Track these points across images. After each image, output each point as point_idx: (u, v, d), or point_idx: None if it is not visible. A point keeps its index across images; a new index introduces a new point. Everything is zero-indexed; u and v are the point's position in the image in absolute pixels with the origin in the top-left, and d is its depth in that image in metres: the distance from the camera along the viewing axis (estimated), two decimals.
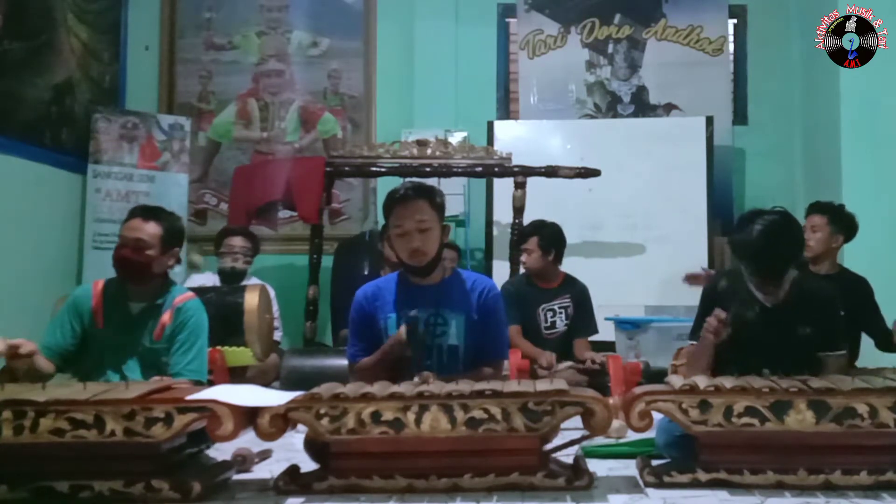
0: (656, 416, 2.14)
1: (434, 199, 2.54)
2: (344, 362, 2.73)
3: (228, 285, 4.32)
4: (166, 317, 2.73)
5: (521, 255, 4.05)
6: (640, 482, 2.15)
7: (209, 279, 4.58)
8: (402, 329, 2.43)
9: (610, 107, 5.78)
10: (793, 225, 2.57)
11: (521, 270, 4.15)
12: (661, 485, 2.09)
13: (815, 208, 3.53)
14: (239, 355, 3.78)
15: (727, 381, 2.13)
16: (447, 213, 2.67)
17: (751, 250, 2.49)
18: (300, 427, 2.10)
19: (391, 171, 4.92)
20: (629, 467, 2.34)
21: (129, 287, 2.75)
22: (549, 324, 4.01)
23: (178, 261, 2.86)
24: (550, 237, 4.00)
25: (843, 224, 3.52)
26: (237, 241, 4.54)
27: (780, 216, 2.52)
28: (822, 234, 3.46)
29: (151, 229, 2.70)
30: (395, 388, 2.07)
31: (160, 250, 2.71)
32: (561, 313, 4.02)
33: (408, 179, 3.14)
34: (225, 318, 3.76)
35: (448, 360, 2.54)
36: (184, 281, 4.61)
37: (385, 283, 2.65)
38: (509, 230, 4.97)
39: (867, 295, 3.49)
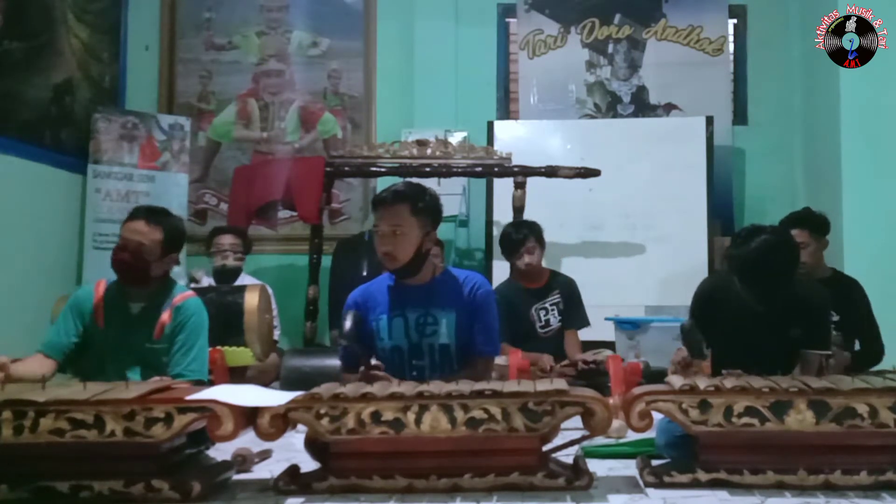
0: (656, 416, 2.14)
1: (415, 204, 2.54)
2: None
3: (223, 284, 4.32)
4: (165, 316, 2.73)
5: (521, 258, 4.04)
6: (640, 482, 2.14)
7: (204, 281, 4.58)
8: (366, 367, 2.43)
9: (610, 107, 5.78)
10: (789, 243, 2.59)
11: (522, 268, 4.12)
12: (661, 485, 2.09)
13: (795, 223, 3.37)
14: (239, 355, 3.78)
15: (727, 381, 2.13)
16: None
17: (747, 268, 2.51)
18: (300, 427, 2.10)
19: (391, 171, 4.92)
20: (629, 467, 2.34)
21: (128, 287, 2.75)
22: (543, 322, 4.05)
23: (178, 263, 2.87)
24: (541, 232, 4.11)
25: (823, 229, 3.48)
26: (226, 240, 4.55)
27: (775, 235, 2.55)
28: (811, 248, 3.42)
29: (154, 234, 2.70)
30: (395, 388, 2.07)
31: (160, 255, 2.71)
32: (553, 310, 4.07)
33: (405, 180, 3.14)
34: (225, 318, 3.76)
35: (440, 359, 2.55)
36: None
37: (375, 286, 2.67)
38: None
39: (860, 298, 3.48)
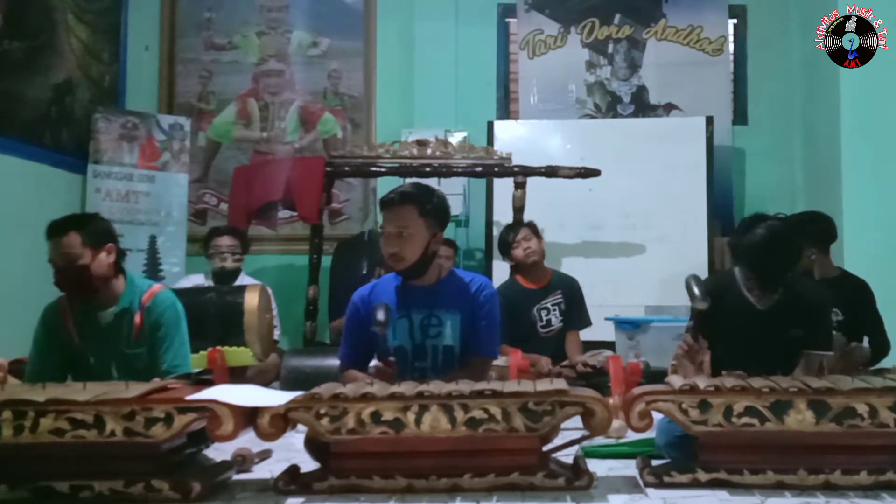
0: (656, 416, 2.14)
1: (423, 205, 2.54)
2: None
3: (223, 285, 4.32)
4: (137, 318, 2.70)
5: (519, 246, 4.04)
6: (640, 482, 2.14)
7: (201, 282, 4.58)
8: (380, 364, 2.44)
9: (610, 107, 5.78)
10: (793, 230, 2.58)
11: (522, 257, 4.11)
12: (661, 485, 2.09)
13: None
14: (239, 355, 3.78)
15: (727, 381, 2.14)
16: None
17: (752, 256, 2.51)
18: (300, 427, 2.10)
19: (391, 171, 4.93)
20: (629, 467, 2.34)
21: (92, 299, 2.71)
22: (544, 322, 4.05)
23: (121, 253, 2.79)
24: (535, 226, 4.13)
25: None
26: (224, 241, 4.54)
27: (781, 223, 2.54)
28: (819, 260, 3.44)
29: (70, 240, 2.64)
30: (395, 388, 2.07)
31: (90, 253, 2.66)
32: (555, 310, 4.06)
33: (413, 181, 3.14)
34: (225, 318, 3.77)
35: (443, 361, 2.55)
36: (178, 282, 4.62)
37: (381, 285, 2.67)
38: None
39: (867, 300, 3.49)
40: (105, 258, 2.69)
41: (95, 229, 2.72)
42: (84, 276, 2.64)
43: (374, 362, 2.60)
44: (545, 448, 2.14)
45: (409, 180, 3.73)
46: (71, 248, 2.62)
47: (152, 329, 2.70)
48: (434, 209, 2.57)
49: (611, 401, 2.25)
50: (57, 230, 2.67)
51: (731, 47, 5.80)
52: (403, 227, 2.50)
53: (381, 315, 2.41)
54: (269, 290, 4.41)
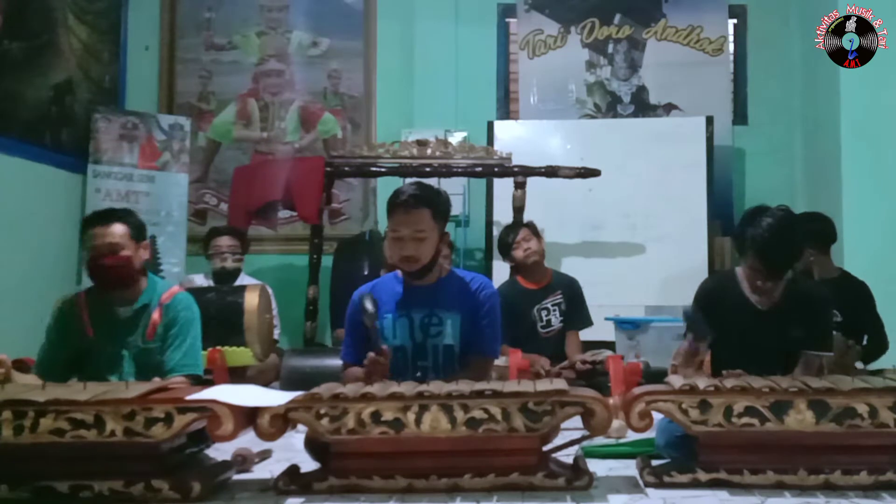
0: (656, 416, 2.14)
1: (437, 207, 2.55)
2: None
3: (223, 285, 4.32)
4: (156, 315, 2.71)
5: (518, 247, 4.04)
6: (640, 482, 2.15)
7: (202, 282, 4.58)
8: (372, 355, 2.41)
9: (610, 107, 5.78)
10: (797, 219, 2.58)
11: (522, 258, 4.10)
12: (661, 485, 2.09)
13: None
14: (239, 355, 3.78)
15: (727, 381, 2.14)
16: None
17: (757, 244, 2.48)
18: (300, 427, 2.10)
19: (391, 171, 4.93)
20: (629, 467, 2.34)
21: (113, 293, 2.72)
22: (544, 322, 4.05)
23: (149, 251, 2.83)
24: (535, 226, 4.13)
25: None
26: (224, 241, 4.55)
27: (786, 213, 2.54)
28: (819, 260, 3.45)
29: (118, 230, 2.68)
30: (395, 388, 2.07)
31: (133, 245, 2.70)
32: (555, 310, 4.06)
33: (411, 180, 3.13)
34: (225, 318, 3.78)
35: (444, 361, 2.55)
36: (178, 282, 4.62)
37: (382, 284, 2.67)
38: None
39: (867, 300, 3.49)
40: (143, 253, 2.75)
41: (138, 223, 2.77)
42: (126, 266, 2.68)
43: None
44: (545, 448, 2.14)
45: (408, 180, 3.73)
46: (117, 237, 2.66)
47: (167, 327, 2.72)
48: (442, 210, 2.59)
49: (611, 401, 2.25)
50: (102, 219, 2.71)
51: (731, 47, 5.80)
52: (419, 230, 2.50)
53: (369, 305, 2.40)
54: (270, 290, 4.41)
